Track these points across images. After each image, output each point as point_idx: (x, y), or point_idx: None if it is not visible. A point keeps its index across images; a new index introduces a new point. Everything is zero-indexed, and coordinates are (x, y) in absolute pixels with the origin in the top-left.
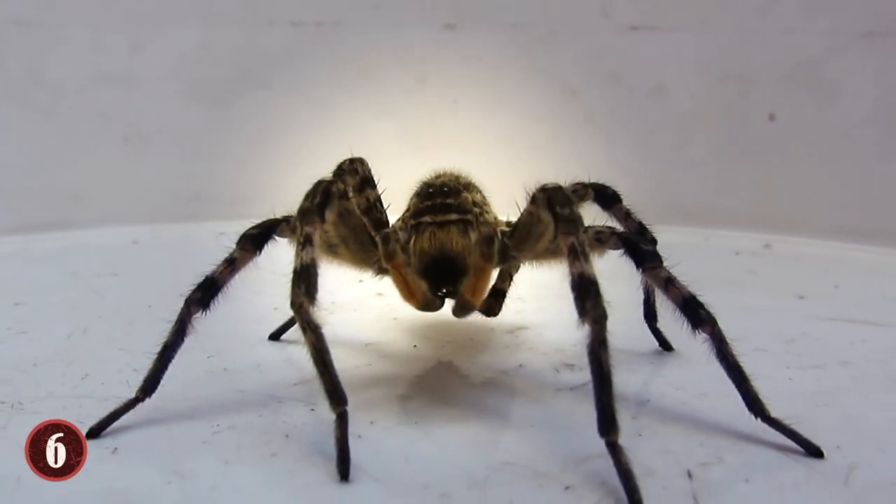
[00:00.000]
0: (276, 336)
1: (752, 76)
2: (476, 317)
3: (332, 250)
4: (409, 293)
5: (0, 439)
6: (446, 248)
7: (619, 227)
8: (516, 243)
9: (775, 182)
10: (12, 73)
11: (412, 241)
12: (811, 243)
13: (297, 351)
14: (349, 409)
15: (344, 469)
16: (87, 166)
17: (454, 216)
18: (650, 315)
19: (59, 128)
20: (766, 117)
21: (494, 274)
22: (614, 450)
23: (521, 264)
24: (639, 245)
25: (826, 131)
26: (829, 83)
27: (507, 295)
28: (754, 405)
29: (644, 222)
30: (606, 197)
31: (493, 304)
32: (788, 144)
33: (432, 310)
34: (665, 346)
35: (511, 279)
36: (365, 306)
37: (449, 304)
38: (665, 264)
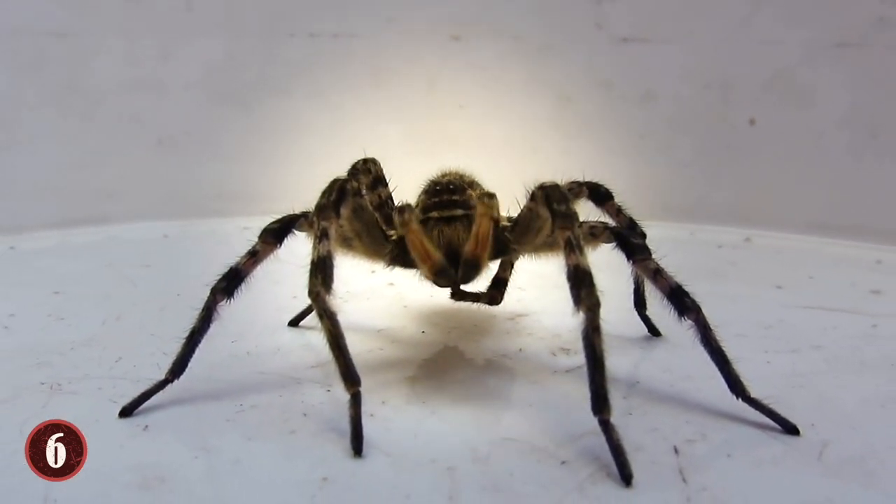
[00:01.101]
0: (294, 322)
1: (733, 83)
2: (480, 305)
3: (346, 243)
4: (425, 255)
5: (41, 417)
6: (452, 243)
7: (611, 223)
8: (517, 237)
9: (755, 181)
10: (53, 81)
11: None
12: (788, 237)
13: (314, 336)
14: (362, 389)
15: (357, 445)
16: (122, 166)
17: (459, 212)
18: (640, 303)
19: (96, 131)
20: (746, 121)
21: (493, 266)
22: (606, 427)
23: (521, 256)
24: (629, 239)
25: (802, 134)
26: (805, 90)
27: (509, 283)
28: (735, 386)
29: (634, 218)
30: (600, 194)
31: (497, 293)
32: (767, 146)
33: (446, 279)
34: (653, 331)
35: (512, 267)
36: (377, 295)
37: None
38: (653, 256)
